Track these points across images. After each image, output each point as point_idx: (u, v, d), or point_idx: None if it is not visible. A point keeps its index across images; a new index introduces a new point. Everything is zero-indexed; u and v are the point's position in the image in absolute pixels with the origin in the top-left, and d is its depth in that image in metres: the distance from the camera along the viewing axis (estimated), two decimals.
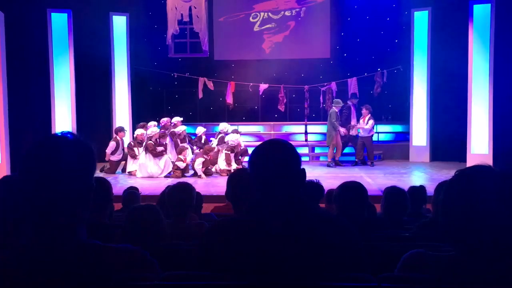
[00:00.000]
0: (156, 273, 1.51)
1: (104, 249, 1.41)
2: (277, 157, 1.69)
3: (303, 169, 1.72)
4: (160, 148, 10.57)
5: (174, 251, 2.59)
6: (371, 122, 11.86)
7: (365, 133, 11.88)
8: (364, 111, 12.04)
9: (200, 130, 12.06)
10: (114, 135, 11.57)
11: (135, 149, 10.92)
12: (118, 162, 11.31)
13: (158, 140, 10.77)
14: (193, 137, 12.16)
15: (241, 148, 11.03)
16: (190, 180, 9.88)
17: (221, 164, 10.70)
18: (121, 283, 1.37)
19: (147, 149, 10.54)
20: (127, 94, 13.56)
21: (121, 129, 11.58)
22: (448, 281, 1.43)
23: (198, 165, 10.39)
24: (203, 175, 10.33)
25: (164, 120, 11.80)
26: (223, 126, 11.70)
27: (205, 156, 10.55)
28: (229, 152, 10.63)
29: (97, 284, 1.34)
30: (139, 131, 11.23)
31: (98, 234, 1.82)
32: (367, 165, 11.91)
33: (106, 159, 11.19)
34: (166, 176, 10.50)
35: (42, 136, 1.48)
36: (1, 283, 1.34)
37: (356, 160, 12.11)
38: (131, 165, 10.91)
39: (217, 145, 11.23)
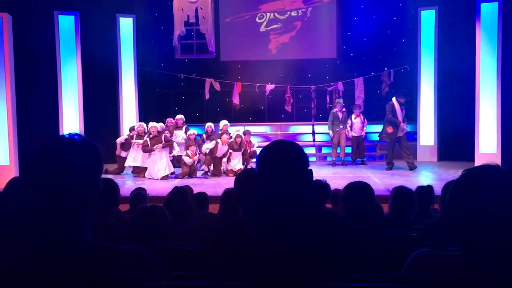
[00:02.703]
0: (161, 274, 1.51)
1: (110, 250, 1.41)
2: (284, 157, 1.69)
3: (310, 170, 1.72)
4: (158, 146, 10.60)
5: (180, 252, 2.59)
6: (366, 121, 11.91)
7: (359, 133, 11.86)
8: (358, 110, 12.01)
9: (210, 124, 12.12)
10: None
11: (138, 141, 10.98)
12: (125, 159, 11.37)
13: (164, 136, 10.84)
14: (197, 138, 12.19)
15: (252, 148, 11.14)
16: (198, 181, 9.92)
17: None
18: (126, 284, 1.38)
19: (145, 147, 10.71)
20: (134, 95, 13.62)
21: (133, 128, 11.63)
22: (455, 281, 1.43)
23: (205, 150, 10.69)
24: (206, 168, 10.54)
25: (169, 120, 11.98)
26: (223, 123, 11.74)
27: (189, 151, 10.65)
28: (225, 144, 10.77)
29: (103, 285, 1.35)
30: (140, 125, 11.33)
31: (105, 235, 1.82)
32: (360, 164, 11.94)
33: (117, 153, 11.29)
34: (171, 177, 10.57)
35: (49, 137, 1.48)
36: (7, 283, 1.34)
37: (353, 159, 12.09)
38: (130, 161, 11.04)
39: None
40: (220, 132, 11.38)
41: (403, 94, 11.05)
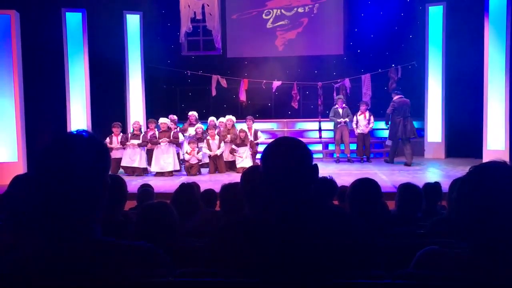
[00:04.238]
0: (169, 270, 1.52)
1: (118, 246, 1.42)
2: (288, 154, 1.69)
3: (316, 165, 1.72)
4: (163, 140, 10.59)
5: (187, 248, 2.60)
6: (372, 118, 11.86)
7: (365, 129, 11.82)
8: (363, 107, 11.95)
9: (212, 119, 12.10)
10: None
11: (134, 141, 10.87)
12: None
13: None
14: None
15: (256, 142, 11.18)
16: (204, 178, 9.94)
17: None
18: (134, 280, 1.38)
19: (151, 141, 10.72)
20: (140, 92, 13.66)
21: (115, 126, 11.26)
22: (463, 278, 1.42)
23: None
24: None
25: (171, 116, 11.89)
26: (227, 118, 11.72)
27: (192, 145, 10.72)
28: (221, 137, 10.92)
29: (111, 280, 1.35)
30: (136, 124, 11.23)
31: (113, 231, 1.83)
32: (365, 161, 11.91)
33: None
34: (175, 174, 10.60)
35: (57, 134, 1.49)
36: (16, 281, 1.35)
37: (359, 156, 12.06)
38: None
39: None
40: (207, 128, 11.46)
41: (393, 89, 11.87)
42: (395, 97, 11.38)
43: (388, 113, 11.36)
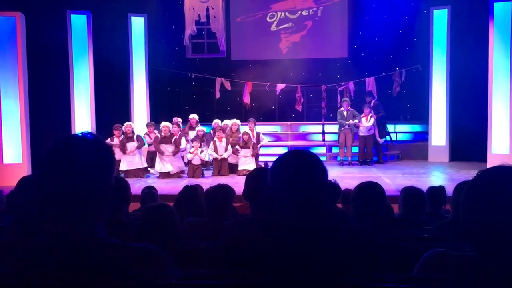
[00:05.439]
0: (174, 272, 1.51)
1: (122, 248, 1.42)
2: (299, 170, 1.62)
3: (336, 184, 1.69)
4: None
5: (189, 250, 2.60)
6: (372, 120, 11.82)
7: (366, 132, 11.80)
8: (366, 109, 11.95)
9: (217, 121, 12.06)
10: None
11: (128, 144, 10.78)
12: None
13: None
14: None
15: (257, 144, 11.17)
16: (208, 181, 9.93)
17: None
18: (138, 282, 1.38)
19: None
20: (145, 94, 13.69)
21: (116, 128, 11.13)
22: (468, 281, 1.42)
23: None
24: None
25: (175, 120, 11.85)
26: (232, 122, 11.73)
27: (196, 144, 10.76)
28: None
29: (115, 282, 1.35)
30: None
31: (117, 233, 1.83)
32: (364, 165, 11.87)
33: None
34: (179, 176, 10.59)
35: (62, 136, 1.50)
36: (19, 280, 1.36)
37: (359, 160, 12.04)
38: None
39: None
40: (212, 131, 11.43)
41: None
42: (376, 101, 12.37)
43: (384, 114, 12.25)
